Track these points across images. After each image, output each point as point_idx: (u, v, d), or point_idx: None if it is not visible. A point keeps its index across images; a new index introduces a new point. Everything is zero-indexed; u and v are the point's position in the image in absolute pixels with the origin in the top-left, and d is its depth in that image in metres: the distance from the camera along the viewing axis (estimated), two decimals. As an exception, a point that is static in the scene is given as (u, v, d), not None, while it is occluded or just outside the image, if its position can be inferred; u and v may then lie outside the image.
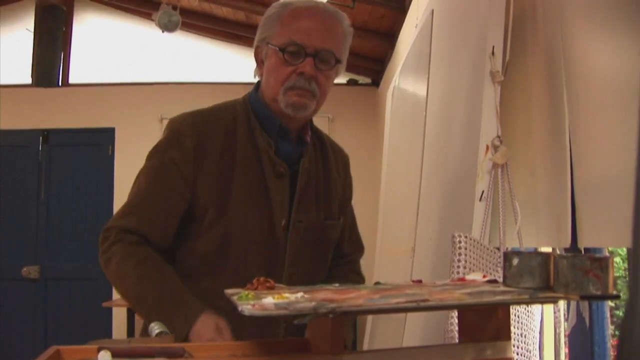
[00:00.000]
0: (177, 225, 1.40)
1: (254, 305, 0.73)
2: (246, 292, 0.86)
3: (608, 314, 1.56)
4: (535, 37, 1.68)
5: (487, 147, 1.58)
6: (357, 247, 1.68)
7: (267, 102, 1.45)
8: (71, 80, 6.01)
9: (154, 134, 5.63)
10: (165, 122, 5.90)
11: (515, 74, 1.68)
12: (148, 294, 1.29)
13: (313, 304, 0.72)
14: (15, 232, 5.61)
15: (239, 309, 0.72)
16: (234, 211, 1.37)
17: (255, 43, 1.48)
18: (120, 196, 5.56)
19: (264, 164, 1.41)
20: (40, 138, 5.74)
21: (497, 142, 1.56)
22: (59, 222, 5.65)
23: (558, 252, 1.51)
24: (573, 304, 1.53)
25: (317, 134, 1.57)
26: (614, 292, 0.81)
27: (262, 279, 0.97)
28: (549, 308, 1.69)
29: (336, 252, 1.57)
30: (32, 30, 5.99)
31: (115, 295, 5.40)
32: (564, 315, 1.62)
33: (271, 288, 0.95)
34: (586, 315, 1.51)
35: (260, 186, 1.41)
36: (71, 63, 6.05)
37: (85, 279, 5.53)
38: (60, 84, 5.96)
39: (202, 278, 1.38)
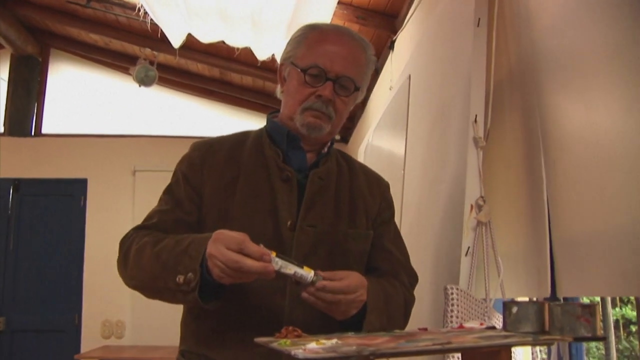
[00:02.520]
0: (193, 224, 1.42)
1: (305, 349, 0.85)
2: (284, 340, 0.97)
3: (585, 356, 1.71)
4: (513, 103, 1.87)
5: (472, 207, 1.73)
6: (403, 269, 1.54)
7: (283, 121, 1.48)
8: (44, 131, 6.05)
9: (127, 186, 5.78)
10: (138, 174, 5.96)
11: (496, 138, 1.86)
12: (163, 250, 1.28)
13: (354, 347, 0.84)
14: (-20, 282, 5.54)
15: (292, 353, 0.84)
16: (236, 211, 1.40)
17: (280, 60, 1.51)
18: (92, 248, 5.62)
19: (271, 170, 1.44)
20: (11, 187, 5.73)
21: (480, 202, 1.72)
22: (27, 273, 5.60)
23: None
24: (554, 346, 1.68)
25: (346, 157, 1.60)
26: (601, 334, 0.95)
27: (290, 328, 1.08)
28: (527, 351, 1.82)
29: (374, 271, 1.49)
30: (7, 79, 6.06)
31: (85, 347, 5.34)
32: (547, 356, 1.76)
33: (298, 336, 1.06)
34: (565, 356, 1.65)
35: (266, 189, 1.42)
36: (45, 113, 6.11)
37: (54, 331, 5.47)
38: (33, 133, 6.00)
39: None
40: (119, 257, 1.40)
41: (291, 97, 1.45)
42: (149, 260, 1.29)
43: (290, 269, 1.19)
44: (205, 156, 1.46)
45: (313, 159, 1.48)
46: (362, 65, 1.47)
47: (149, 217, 1.45)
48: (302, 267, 1.20)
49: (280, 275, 1.19)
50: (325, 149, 1.50)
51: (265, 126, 1.54)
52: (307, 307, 1.26)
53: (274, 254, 1.18)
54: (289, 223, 1.39)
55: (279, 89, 1.54)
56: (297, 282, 1.21)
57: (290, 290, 1.34)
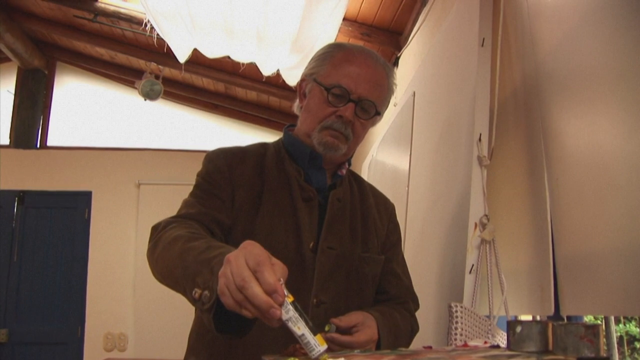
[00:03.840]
0: (224, 222, 1.36)
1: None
2: (292, 358, 0.98)
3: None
4: (517, 123, 1.88)
5: (476, 225, 1.75)
6: (409, 296, 1.55)
7: (300, 137, 1.47)
8: (49, 143, 6.08)
9: (131, 199, 5.80)
10: (142, 187, 5.94)
11: (500, 157, 1.87)
12: (191, 250, 1.13)
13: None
14: (-17, 294, 5.55)
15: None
16: (260, 228, 1.35)
17: (301, 76, 1.50)
18: (96, 260, 5.63)
19: (293, 188, 1.41)
20: (16, 199, 5.75)
21: (485, 220, 1.73)
22: (30, 285, 5.60)
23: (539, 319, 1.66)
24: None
25: (357, 178, 1.60)
26: (605, 355, 0.96)
27: (297, 345, 1.08)
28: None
29: (382, 294, 1.51)
30: (13, 92, 6.11)
31: (87, 360, 5.34)
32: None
33: (305, 354, 1.06)
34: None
35: (288, 208, 1.39)
36: (50, 126, 6.14)
37: (56, 343, 5.47)
38: (38, 146, 6.03)
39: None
40: (149, 244, 1.29)
41: (311, 114, 1.44)
42: (174, 258, 1.16)
43: (300, 328, 0.94)
44: (231, 164, 1.42)
45: (329, 179, 1.48)
46: (385, 89, 1.46)
47: (187, 206, 1.37)
48: (315, 334, 0.95)
49: (284, 328, 0.95)
50: (343, 171, 1.50)
51: (282, 140, 1.53)
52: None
53: (290, 299, 0.95)
54: (311, 244, 1.37)
55: (297, 104, 1.53)
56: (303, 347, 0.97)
57: (312, 312, 1.32)
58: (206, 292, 1.02)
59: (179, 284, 1.12)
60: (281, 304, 0.93)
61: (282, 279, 0.95)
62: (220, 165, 1.42)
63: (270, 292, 0.92)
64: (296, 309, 0.94)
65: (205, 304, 1.02)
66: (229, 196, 1.39)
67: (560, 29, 1.62)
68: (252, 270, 0.93)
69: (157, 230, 1.29)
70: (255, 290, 0.91)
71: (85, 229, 5.74)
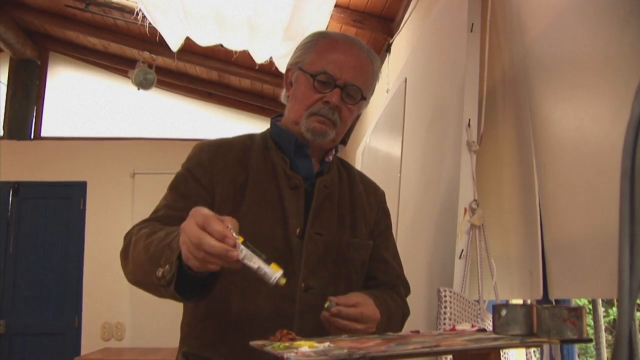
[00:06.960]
0: None
1: (297, 352, 0.87)
2: (278, 343, 0.99)
3: (576, 357, 1.74)
4: (506, 108, 1.89)
5: (465, 210, 1.75)
6: (400, 281, 1.57)
7: (287, 126, 1.49)
8: (43, 134, 6.07)
9: (126, 189, 5.80)
10: (137, 177, 5.95)
11: (489, 142, 1.88)
12: (153, 242, 1.21)
13: (345, 351, 0.87)
14: (-20, 286, 5.56)
15: (285, 356, 0.86)
16: (245, 217, 1.34)
17: (287, 66, 1.53)
18: (91, 250, 5.64)
19: (278, 177, 1.43)
20: (11, 191, 5.75)
21: (474, 206, 1.74)
22: (26, 277, 5.62)
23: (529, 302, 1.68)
24: (546, 347, 1.70)
25: (346, 165, 1.61)
26: (588, 337, 0.97)
27: (284, 331, 1.09)
28: (521, 352, 1.85)
29: (372, 280, 1.53)
30: (6, 83, 6.08)
31: (84, 350, 5.36)
32: (540, 357, 1.78)
33: (292, 339, 1.08)
34: (557, 356, 1.68)
35: (274, 196, 1.41)
36: (44, 116, 6.12)
37: (54, 334, 5.49)
38: (32, 137, 6.02)
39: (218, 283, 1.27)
40: (121, 251, 1.35)
41: (298, 102, 1.46)
42: (140, 254, 1.24)
43: (255, 262, 1.05)
44: (213, 158, 1.44)
45: (317, 167, 1.50)
46: (369, 75, 1.49)
47: (155, 211, 1.41)
48: (269, 264, 1.05)
49: (245, 268, 1.05)
50: (330, 157, 1.51)
51: (269, 130, 1.55)
52: (317, 316, 1.28)
53: (240, 240, 1.04)
54: (297, 230, 1.39)
55: (284, 93, 1.55)
56: (261, 280, 1.06)
57: (300, 297, 1.35)
58: (167, 267, 1.12)
59: (148, 274, 1.19)
60: (233, 246, 1.03)
61: (230, 225, 1.05)
62: (202, 159, 1.44)
63: (221, 239, 1.03)
64: (247, 246, 1.05)
65: (167, 276, 1.12)
66: (208, 191, 1.41)
67: (548, 14, 1.62)
68: (201, 227, 1.03)
69: (126, 239, 1.35)
70: (210, 241, 1.02)
71: (81, 220, 5.74)
